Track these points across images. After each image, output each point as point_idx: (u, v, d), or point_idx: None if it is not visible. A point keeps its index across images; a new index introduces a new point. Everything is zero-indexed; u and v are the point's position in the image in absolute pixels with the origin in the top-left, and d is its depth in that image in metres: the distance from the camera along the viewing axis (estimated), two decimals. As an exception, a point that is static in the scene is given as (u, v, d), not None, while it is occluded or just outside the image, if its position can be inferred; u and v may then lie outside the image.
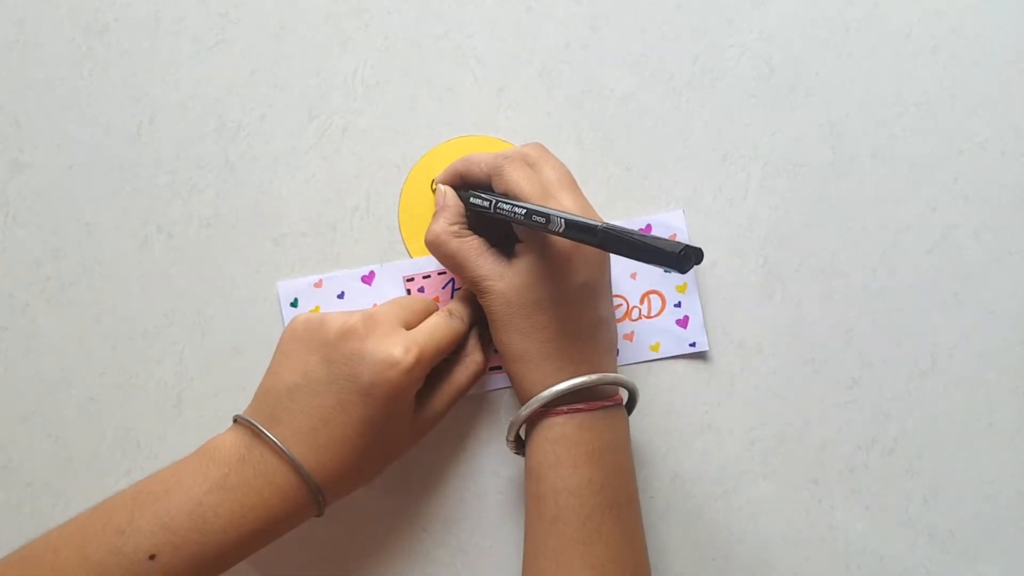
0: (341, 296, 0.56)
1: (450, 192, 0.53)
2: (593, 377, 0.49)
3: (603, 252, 0.50)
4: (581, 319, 0.49)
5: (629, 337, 0.56)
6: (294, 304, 0.56)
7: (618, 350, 0.56)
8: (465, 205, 0.52)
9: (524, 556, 0.50)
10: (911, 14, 0.57)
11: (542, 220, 0.46)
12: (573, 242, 0.47)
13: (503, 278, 0.49)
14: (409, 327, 0.49)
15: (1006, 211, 0.57)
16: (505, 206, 0.49)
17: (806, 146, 0.57)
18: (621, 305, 0.57)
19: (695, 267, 0.41)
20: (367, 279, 0.56)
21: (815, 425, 0.57)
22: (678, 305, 0.56)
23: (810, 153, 0.57)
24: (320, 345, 0.48)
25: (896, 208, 0.57)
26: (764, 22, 0.57)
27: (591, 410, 0.49)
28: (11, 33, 0.56)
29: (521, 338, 0.49)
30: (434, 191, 0.56)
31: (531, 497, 0.49)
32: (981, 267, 0.57)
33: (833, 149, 0.57)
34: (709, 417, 0.57)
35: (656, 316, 0.57)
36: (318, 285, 0.56)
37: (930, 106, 0.57)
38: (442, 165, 0.56)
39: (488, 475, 0.56)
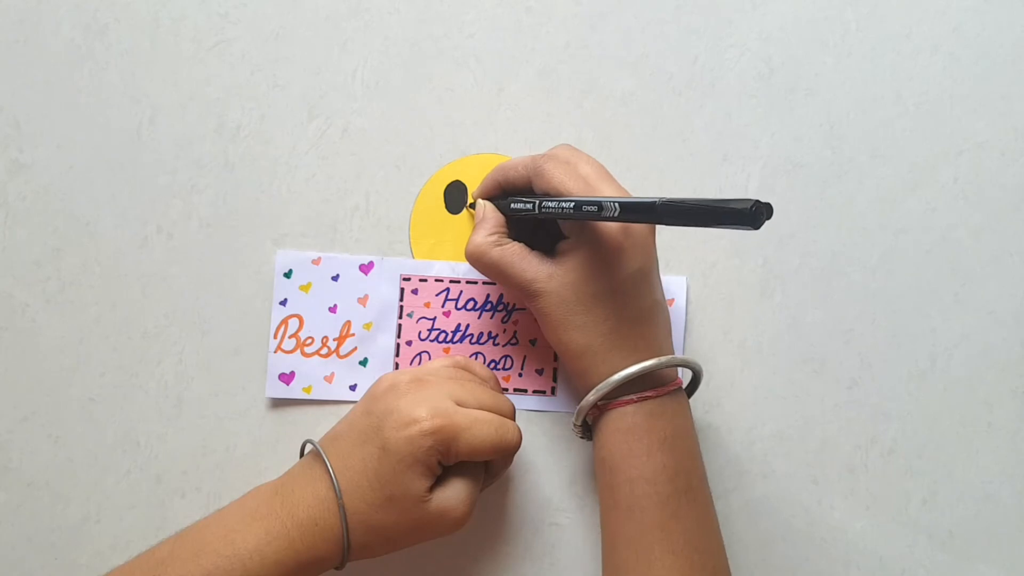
0: (335, 278, 0.56)
1: (488, 205, 0.53)
2: (661, 360, 0.49)
3: (651, 236, 0.50)
4: (639, 305, 0.50)
5: None
6: (287, 275, 0.56)
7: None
8: (504, 214, 0.53)
9: (603, 547, 0.50)
10: (911, 14, 0.57)
11: (594, 209, 0.46)
12: (623, 230, 0.48)
13: (553, 277, 0.49)
14: (462, 404, 0.49)
15: (1006, 211, 0.57)
16: (551, 203, 0.49)
17: (806, 146, 0.57)
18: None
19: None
20: (365, 268, 0.56)
21: (815, 425, 0.57)
22: None
23: (810, 153, 0.57)
24: (369, 398, 0.50)
25: (896, 208, 0.57)
26: (764, 22, 0.57)
27: (659, 396, 0.49)
28: (11, 33, 0.56)
29: (582, 334, 0.49)
30: (469, 207, 0.57)
31: (605, 487, 0.50)
32: (981, 267, 0.57)
33: (833, 149, 0.57)
34: (709, 417, 0.57)
35: None
36: (316, 262, 0.56)
37: (930, 106, 0.57)
38: (469, 173, 0.57)
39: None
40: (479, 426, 0.48)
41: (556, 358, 0.56)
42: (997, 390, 0.57)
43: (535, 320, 0.56)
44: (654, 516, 0.48)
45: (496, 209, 0.53)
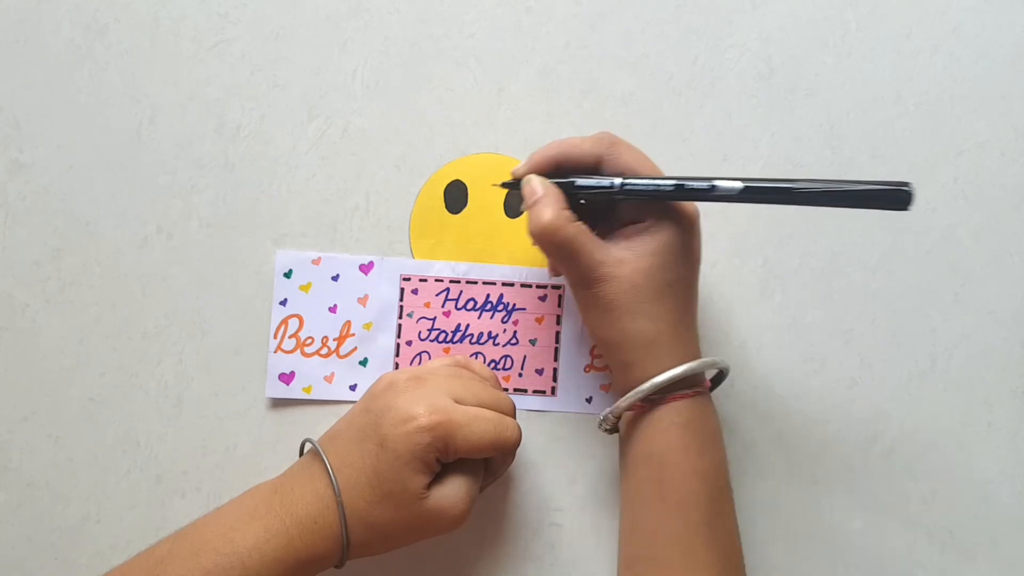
0: (335, 278, 0.56)
1: (545, 180, 0.49)
2: (714, 359, 0.49)
3: (700, 231, 0.49)
4: (695, 299, 0.50)
5: (606, 388, 0.57)
6: (288, 275, 0.56)
7: (590, 397, 0.57)
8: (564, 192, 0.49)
9: (630, 541, 0.50)
10: (911, 14, 0.57)
11: (705, 187, 0.45)
12: (693, 221, 0.48)
13: (624, 263, 0.48)
14: (461, 402, 0.49)
15: (1006, 211, 0.57)
16: (639, 181, 0.47)
17: (806, 146, 0.57)
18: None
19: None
20: (365, 268, 0.56)
21: (815, 425, 0.57)
22: None
23: (810, 153, 0.57)
24: (368, 396, 0.50)
25: (896, 208, 0.57)
26: (764, 22, 0.57)
27: (706, 393, 0.49)
28: (11, 33, 0.56)
29: (651, 322, 0.48)
30: (504, 185, 0.52)
31: (649, 482, 0.48)
32: (981, 267, 0.57)
33: (833, 149, 0.57)
34: (709, 417, 0.57)
35: None
36: (316, 262, 0.56)
37: (930, 106, 0.57)
38: (469, 172, 0.57)
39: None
40: (478, 423, 0.48)
41: (556, 358, 0.56)
42: (997, 390, 0.57)
43: (535, 320, 0.56)
44: (703, 512, 0.47)
45: (554, 185, 0.49)
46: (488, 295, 0.57)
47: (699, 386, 0.49)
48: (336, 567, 0.48)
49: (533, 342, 0.56)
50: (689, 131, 0.57)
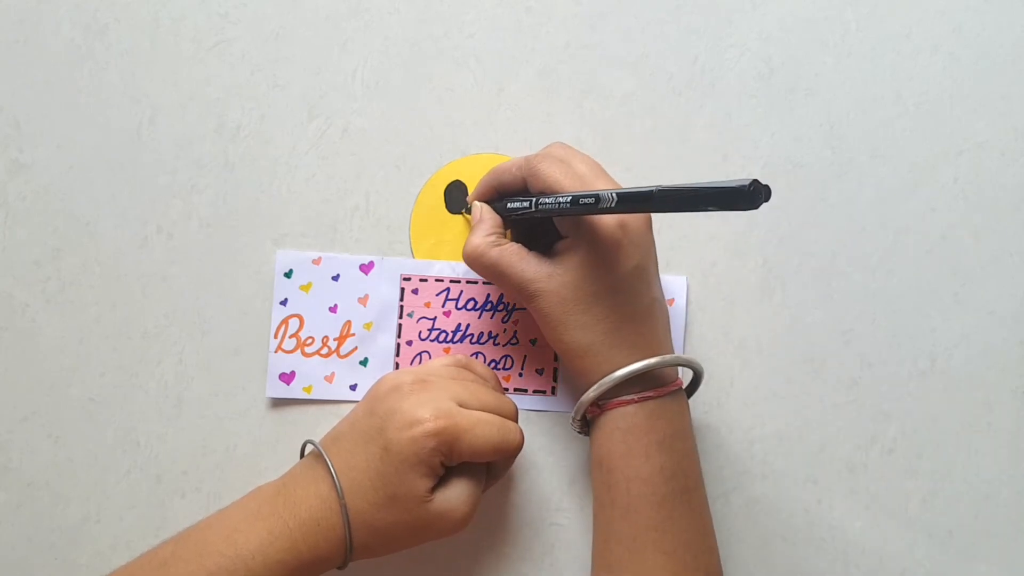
0: (336, 278, 0.56)
1: (485, 207, 0.53)
2: (662, 358, 0.49)
3: (648, 232, 0.50)
4: (638, 303, 0.49)
5: None
6: (288, 275, 0.56)
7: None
8: (502, 216, 0.53)
9: (594, 543, 0.50)
10: (911, 14, 0.57)
11: (591, 201, 0.45)
12: (620, 227, 0.48)
13: (552, 277, 0.49)
14: (464, 406, 0.49)
15: (1006, 211, 0.57)
16: (547, 200, 0.48)
17: (806, 146, 0.57)
18: None
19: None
20: (365, 268, 0.56)
21: (815, 425, 0.57)
22: None
23: (810, 153, 0.57)
24: (371, 397, 0.50)
25: (896, 208, 0.57)
26: (764, 22, 0.57)
27: (659, 396, 0.49)
28: (11, 33, 0.56)
29: (583, 332, 0.49)
30: (464, 212, 0.57)
31: (601, 486, 0.50)
32: (981, 267, 0.57)
33: (833, 149, 0.57)
34: (709, 417, 0.57)
35: None
36: (316, 262, 0.56)
37: (930, 106, 0.57)
38: (469, 172, 0.57)
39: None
40: (482, 427, 0.48)
41: (556, 358, 0.56)
42: (997, 390, 0.57)
43: (535, 320, 0.56)
44: (650, 516, 0.48)
45: (492, 210, 0.53)
46: (488, 295, 0.57)
47: (653, 389, 0.49)
48: (339, 568, 0.48)
49: (533, 342, 0.56)
50: (689, 131, 0.57)
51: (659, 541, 0.47)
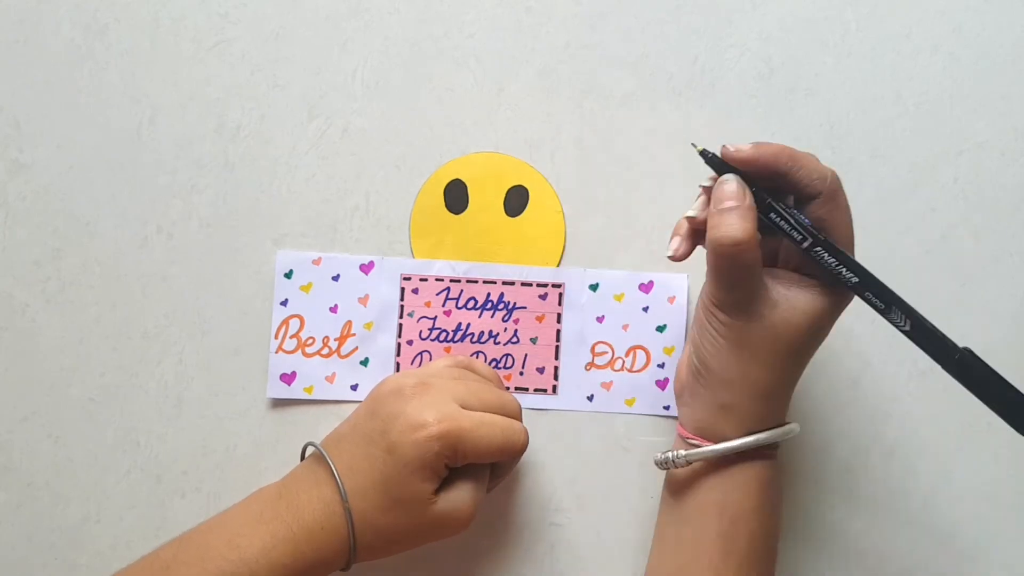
0: (336, 278, 0.56)
1: (747, 188, 0.45)
2: (796, 426, 0.49)
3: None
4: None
5: (607, 386, 0.57)
6: (288, 275, 0.56)
7: (592, 395, 0.57)
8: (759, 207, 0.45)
9: None
10: (911, 14, 0.57)
11: (881, 306, 0.43)
12: (842, 305, 0.46)
13: (777, 308, 0.45)
14: (467, 407, 0.49)
15: (1006, 211, 0.57)
16: (829, 259, 0.44)
17: (806, 146, 0.57)
18: (606, 353, 0.57)
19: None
20: (365, 268, 0.56)
21: (815, 425, 0.57)
22: (661, 366, 0.57)
23: (810, 153, 0.57)
24: (373, 400, 0.49)
25: (896, 208, 0.57)
26: (764, 22, 0.57)
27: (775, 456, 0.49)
28: (11, 33, 0.56)
29: (772, 375, 0.46)
30: (704, 153, 0.47)
31: (713, 533, 0.47)
32: (981, 267, 0.57)
33: (833, 149, 0.57)
34: (709, 417, 0.57)
35: (638, 371, 0.57)
36: (316, 262, 0.56)
37: (930, 106, 0.57)
38: (469, 172, 0.57)
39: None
40: (485, 429, 0.48)
41: (557, 356, 0.56)
42: (997, 390, 0.57)
43: (536, 318, 0.56)
44: (766, 569, 0.48)
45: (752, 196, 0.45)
46: (488, 294, 0.57)
47: (776, 448, 0.49)
48: (342, 570, 0.48)
49: (534, 340, 0.56)
50: (689, 131, 0.57)
51: None
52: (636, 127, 0.57)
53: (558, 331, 0.57)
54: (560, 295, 0.57)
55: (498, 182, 0.57)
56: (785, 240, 0.46)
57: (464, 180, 0.57)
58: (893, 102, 0.57)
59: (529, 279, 0.56)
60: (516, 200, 0.56)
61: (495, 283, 0.56)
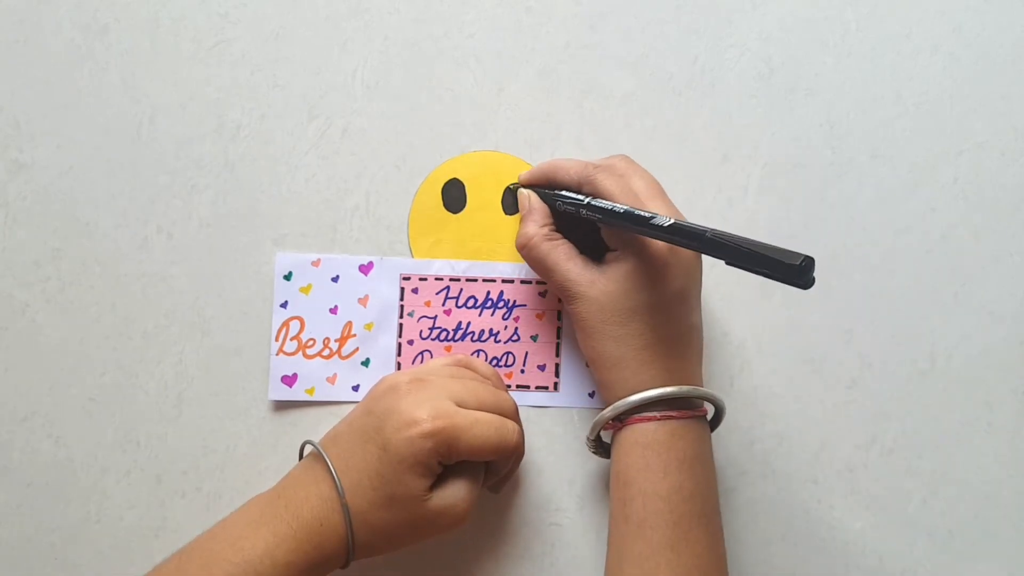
0: (335, 279, 0.56)
1: (534, 196, 0.54)
2: (688, 388, 0.49)
3: (697, 260, 0.50)
4: (677, 326, 0.50)
5: None
6: (287, 277, 0.56)
7: (593, 392, 0.57)
8: (551, 207, 0.53)
9: (608, 560, 0.50)
10: (911, 14, 0.57)
11: (644, 216, 0.46)
12: (670, 248, 0.48)
13: (595, 284, 0.50)
14: (462, 405, 0.49)
15: (1006, 211, 0.57)
16: (602, 203, 0.49)
17: (806, 146, 0.57)
18: None
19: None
20: (364, 268, 0.56)
21: (815, 425, 0.57)
22: None
23: (810, 153, 0.57)
24: (370, 397, 0.50)
25: (896, 208, 0.57)
26: (764, 22, 0.57)
27: (683, 418, 0.49)
28: (11, 33, 0.56)
29: (616, 345, 0.49)
30: (513, 190, 0.56)
31: (617, 500, 0.49)
32: (981, 267, 0.57)
33: (833, 149, 0.57)
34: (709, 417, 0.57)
35: None
36: (315, 264, 0.56)
37: (930, 106, 0.57)
38: (467, 171, 0.57)
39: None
40: (479, 427, 0.48)
41: (558, 353, 0.56)
42: (997, 390, 0.57)
43: (536, 316, 0.56)
44: (665, 535, 0.47)
45: (542, 200, 0.53)
46: (488, 292, 0.57)
47: (677, 411, 0.49)
48: (341, 568, 0.48)
49: (534, 338, 0.56)
50: (689, 131, 0.57)
51: (673, 562, 0.47)
52: (636, 127, 0.57)
53: (558, 328, 0.57)
54: (560, 295, 0.57)
55: (496, 180, 0.57)
56: (606, 233, 0.51)
57: (462, 179, 0.57)
58: (893, 102, 0.57)
59: (529, 277, 0.56)
60: (514, 198, 0.56)
61: (495, 281, 0.56)
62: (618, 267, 0.50)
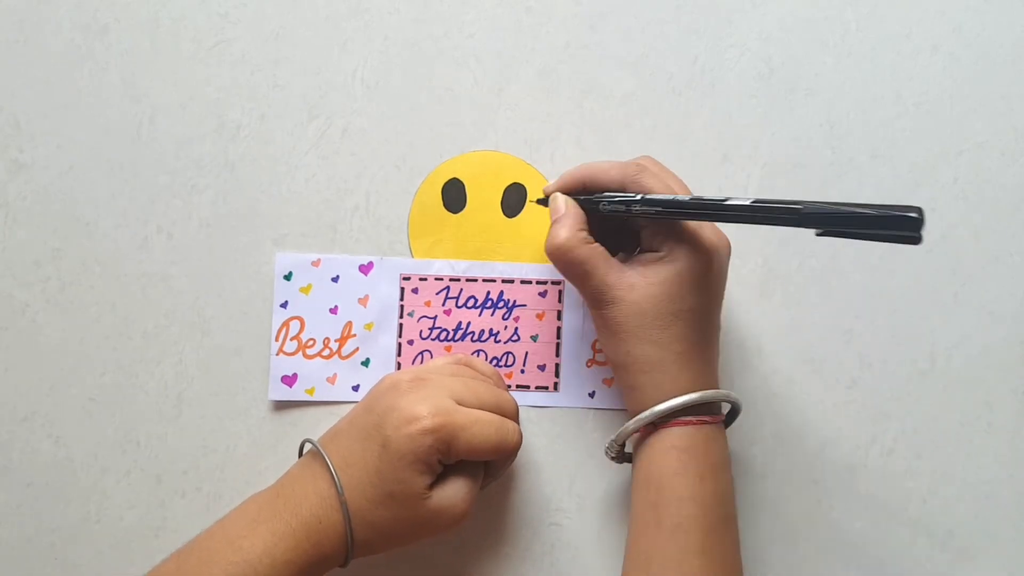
0: (335, 279, 0.56)
1: (570, 200, 0.51)
2: (722, 392, 0.49)
3: (726, 264, 0.50)
4: (710, 329, 0.50)
5: (608, 382, 0.57)
6: (287, 277, 0.56)
7: (593, 392, 0.57)
8: (586, 212, 0.51)
9: (628, 563, 0.49)
10: (911, 14, 0.57)
11: (719, 200, 0.45)
12: (714, 251, 0.48)
13: (635, 288, 0.48)
14: (462, 403, 0.49)
15: (1006, 211, 0.57)
16: (663, 197, 0.48)
17: (806, 146, 0.57)
18: None
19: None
20: (364, 268, 0.56)
21: (815, 425, 0.57)
22: None
23: (810, 153, 0.57)
24: (370, 396, 0.50)
25: (896, 208, 0.57)
26: (764, 22, 0.57)
27: (715, 423, 0.49)
28: (11, 33, 0.56)
29: (656, 349, 0.48)
30: (538, 202, 0.55)
31: (647, 505, 0.49)
32: (981, 267, 0.57)
33: (833, 149, 0.57)
34: (709, 417, 0.57)
35: None
36: (315, 264, 0.56)
37: (930, 106, 0.57)
38: (466, 170, 0.57)
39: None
40: (479, 426, 0.48)
41: (558, 353, 0.56)
42: (997, 390, 0.57)
43: (536, 316, 0.56)
44: (699, 540, 0.47)
45: (577, 205, 0.51)
46: (488, 292, 0.57)
47: (708, 415, 0.49)
48: (340, 567, 0.48)
49: (535, 338, 0.56)
50: (689, 131, 0.57)
51: (706, 568, 0.47)
52: (636, 127, 0.57)
53: (559, 328, 0.57)
54: (560, 292, 0.57)
55: (495, 180, 0.57)
56: (640, 228, 0.50)
57: (461, 179, 0.57)
58: (893, 102, 0.57)
59: (529, 277, 0.56)
60: (514, 198, 0.56)
61: (495, 281, 0.56)
62: (661, 269, 0.48)
